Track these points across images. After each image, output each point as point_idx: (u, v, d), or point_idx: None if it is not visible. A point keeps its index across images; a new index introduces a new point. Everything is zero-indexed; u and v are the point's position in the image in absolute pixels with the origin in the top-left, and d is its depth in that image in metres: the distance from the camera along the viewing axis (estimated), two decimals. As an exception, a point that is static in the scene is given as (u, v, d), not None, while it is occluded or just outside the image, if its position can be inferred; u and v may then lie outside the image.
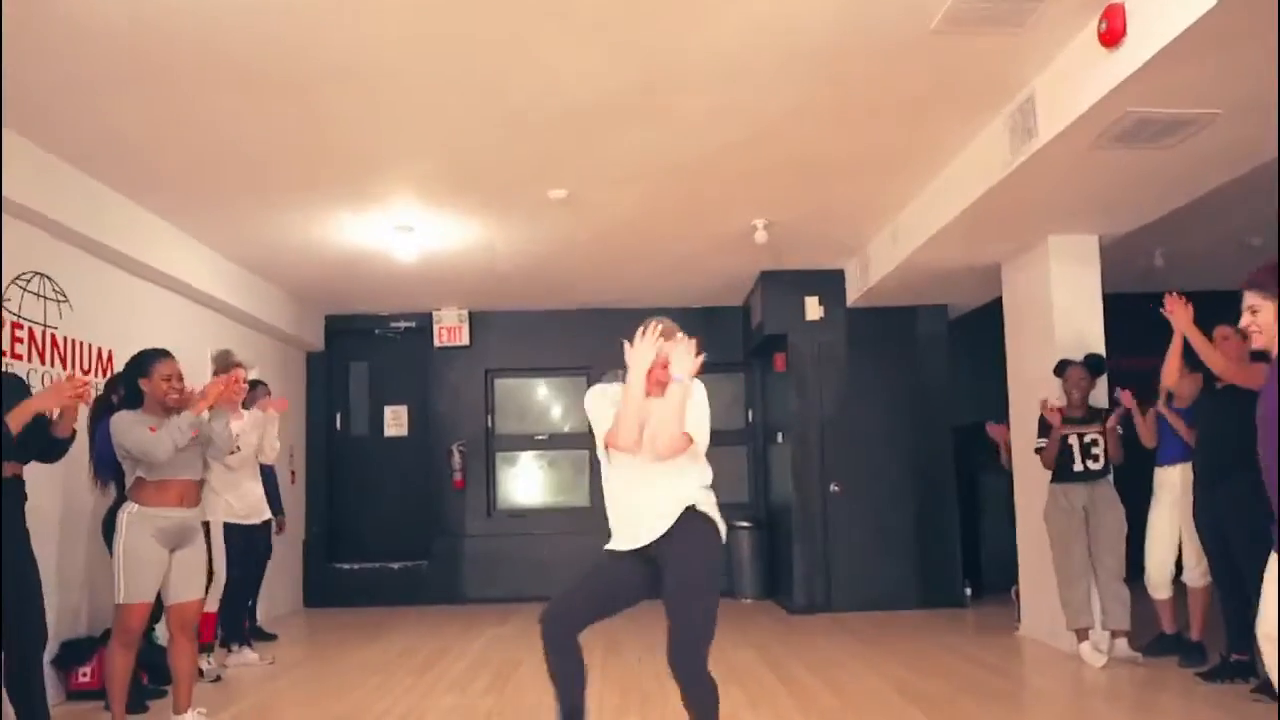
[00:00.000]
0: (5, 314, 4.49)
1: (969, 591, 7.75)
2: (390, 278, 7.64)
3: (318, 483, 9.03)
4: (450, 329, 9.01)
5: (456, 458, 8.99)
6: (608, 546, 3.14)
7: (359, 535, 9.10)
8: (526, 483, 9.42)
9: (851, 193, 5.80)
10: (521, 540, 8.90)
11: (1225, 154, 4.42)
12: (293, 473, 8.46)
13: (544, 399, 9.51)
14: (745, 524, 8.53)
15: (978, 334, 8.09)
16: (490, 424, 9.24)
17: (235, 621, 5.83)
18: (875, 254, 6.98)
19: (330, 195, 5.71)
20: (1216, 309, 4.36)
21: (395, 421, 9.29)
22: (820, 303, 7.83)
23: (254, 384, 7.08)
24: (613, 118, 4.60)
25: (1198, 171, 4.68)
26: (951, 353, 7.98)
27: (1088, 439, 5.44)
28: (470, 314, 9.02)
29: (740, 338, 9.02)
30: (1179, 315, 4.54)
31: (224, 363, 5.48)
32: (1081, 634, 5.38)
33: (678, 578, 2.98)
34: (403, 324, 9.19)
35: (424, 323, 9.08)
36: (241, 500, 5.56)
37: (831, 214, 6.25)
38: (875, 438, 7.80)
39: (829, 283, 7.86)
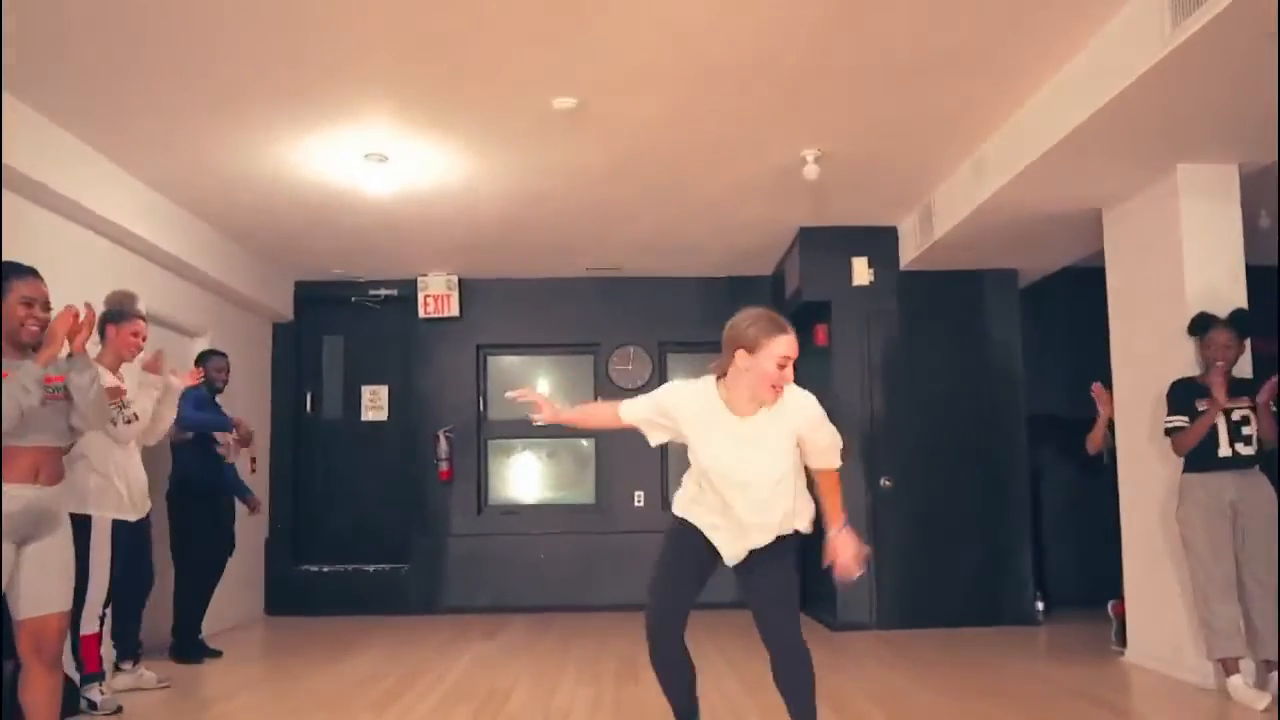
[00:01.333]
0: None
1: (1041, 606, 6.63)
2: (366, 230, 6.54)
3: (283, 472, 7.94)
4: (437, 298, 7.92)
5: (443, 446, 7.92)
6: (684, 514, 3.12)
7: (329, 533, 8.04)
8: (522, 476, 8.40)
9: (933, 106, 4.63)
10: (515, 541, 7.89)
11: None
12: (254, 460, 7.32)
13: (544, 380, 8.45)
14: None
15: (1043, 307, 7.12)
16: (482, 408, 8.18)
17: (126, 635, 4.74)
18: (945, 199, 5.83)
19: (291, 109, 4.57)
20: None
21: (374, 403, 8.23)
22: (869, 264, 6.70)
23: (209, 354, 6.04)
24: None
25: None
26: (1024, 326, 6.87)
27: (1236, 416, 4.30)
28: (460, 281, 7.94)
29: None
30: None
31: (118, 306, 4.31)
32: (1229, 665, 4.23)
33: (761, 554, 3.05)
34: (383, 291, 8.10)
35: (407, 290, 8.00)
36: (130, 490, 4.38)
37: (903, 139, 5.06)
38: (933, 423, 6.66)
39: (880, 241, 6.73)
